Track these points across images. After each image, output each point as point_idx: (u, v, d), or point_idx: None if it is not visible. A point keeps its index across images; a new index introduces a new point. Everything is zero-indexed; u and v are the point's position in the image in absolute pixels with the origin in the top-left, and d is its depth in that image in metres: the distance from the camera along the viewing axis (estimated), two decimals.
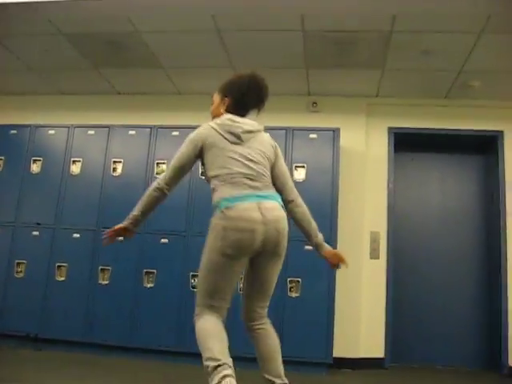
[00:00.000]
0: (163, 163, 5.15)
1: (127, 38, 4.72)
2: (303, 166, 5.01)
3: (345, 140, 5.23)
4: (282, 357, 2.57)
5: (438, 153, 5.89)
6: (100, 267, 5.05)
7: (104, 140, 5.35)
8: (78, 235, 5.16)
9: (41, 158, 5.42)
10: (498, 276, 5.25)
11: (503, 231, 5.28)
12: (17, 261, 5.20)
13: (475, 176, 5.85)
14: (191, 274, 4.82)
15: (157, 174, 5.13)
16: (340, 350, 4.83)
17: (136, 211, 2.69)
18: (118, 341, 4.86)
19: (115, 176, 5.25)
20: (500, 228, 5.30)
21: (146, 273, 4.96)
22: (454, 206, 5.79)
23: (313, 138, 5.07)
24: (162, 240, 4.99)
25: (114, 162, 5.29)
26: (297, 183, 4.84)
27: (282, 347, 2.60)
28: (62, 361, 4.32)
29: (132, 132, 5.33)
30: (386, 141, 5.56)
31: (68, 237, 5.16)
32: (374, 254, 5.28)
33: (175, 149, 5.07)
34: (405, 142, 5.66)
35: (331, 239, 4.75)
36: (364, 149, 5.49)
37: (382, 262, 5.29)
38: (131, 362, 4.54)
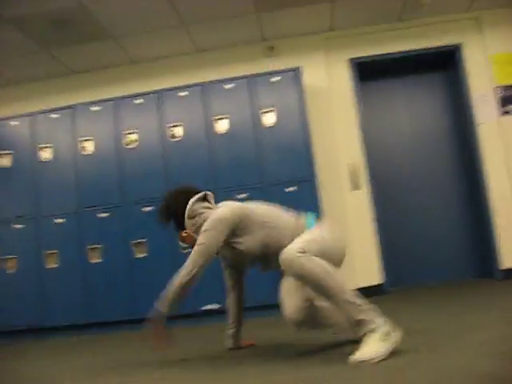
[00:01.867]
0: (131, 133, 5.13)
1: (73, 13, 4.64)
2: (272, 111, 5.00)
3: (308, 79, 5.25)
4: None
5: (401, 76, 5.92)
6: (88, 247, 5.05)
7: (69, 121, 5.30)
8: (61, 220, 5.15)
9: (10, 151, 5.36)
10: (478, 183, 5.35)
11: (477, 141, 5.35)
12: (6, 256, 5.18)
13: (442, 93, 5.89)
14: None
15: (126, 145, 5.11)
16: None
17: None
18: (120, 315, 4.90)
19: (87, 155, 5.21)
20: (474, 139, 5.37)
21: (136, 244, 4.98)
22: (424, 126, 5.86)
23: (275, 81, 5.06)
24: (145, 209, 5.00)
25: (84, 141, 5.24)
26: (268, 129, 4.95)
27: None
28: (66, 346, 4.35)
29: (96, 108, 5.27)
30: (349, 72, 5.57)
31: (51, 224, 5.14)
32: (355, 186, 5.34)
33: (140, 117, 5.11)
34: (367, 71, 5.67)
35: (311, 177, 4.81)
36: (328, 84, 5.51)
37: (363, 191, 5.36)
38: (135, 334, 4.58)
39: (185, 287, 2.60)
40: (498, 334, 2.58)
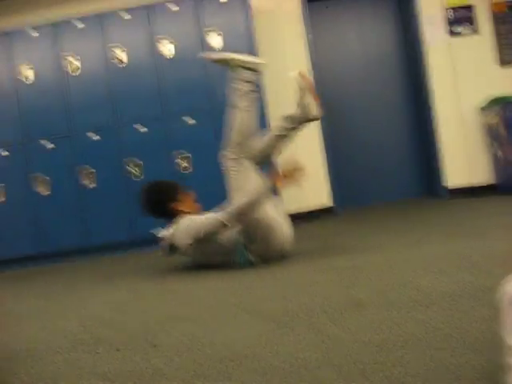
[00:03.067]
0: (70, 56, 4.93)
1: None
2: (219, 34, 4.88)
3: (256, 0, 5.11)
4: None
5: None
6: (35, 176, 4.95)
7: (6, 48, 5.04)
8: (6, 153, 5.00)
9: None
10: (425, 103, 5.43)
11: (425, 62, 5.37)
12: None
13: (391, 14, 5.84)
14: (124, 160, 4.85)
15: (68, 69, 4.93)
16: (290, 207, 4.96)
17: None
18: (71, 246, 4.89)
19: (29, 84, 5.01)
20: (422, 60, 5.38)
21: (85, 172, 4.91)
22: (374, 48, 5.84)
23: (223, 3, 4.91)
24: (93, 138, 4.89)
25: (24, 69, 5.01)
26: (215, 51, 4.84)
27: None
28: (19, 276, 4.34)
29: (35, 34, 5.02)
30: None
31: None
32: None
33: (82, 38, 4.88)
34: None
35: (259, 101, 4.77)
36: (277, 5, 5.38)
37: None
38: (88, 264, 4.60)
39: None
40: (439, 250, 2.70)
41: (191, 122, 4.84)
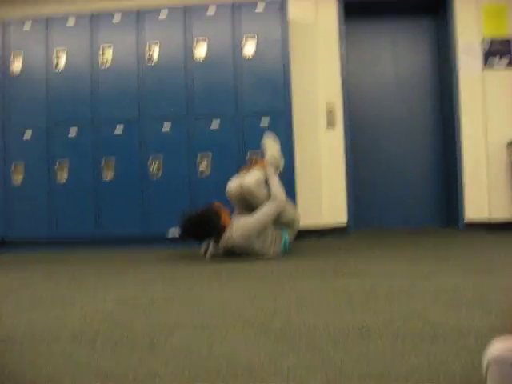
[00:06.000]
0: (108, 46, 4.96)
1: None
2: (253, 37, 4.88)
3: (294, 12, 5.14)
4: None
5: (389, 18, 5.80)
6: (58, 162, 4.98)
7: (43, 34, 5.09)
8: (29, 135, 5.04)
9: None
10: (452, 133, 5.37)
11: (457, 92, 5.31)
12: None
13: (427, 39, 5.81)
14: (151, 158, 4.83)
15: (101, 63, 4.96)
16: (304, 221, 4.94)
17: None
18: (83, 235, 4.90)
19: (58, 72, 5.04)
20: (455, 89, 5.33)
21: (105, 163, 4.92)
22: (407, 71, 5.80)
23: (260, 12, 4.91)
24: (117, 128, 4.91)
25: (57, 56, 5.06)
26: (248, 59, 4.85)
27: None
28: (29, 261, 4.35)
29: (72, 23, 5.06)
30: (336, 10, 5.42)
31: (19, 139, 5.03)
32: (331, 124, 5.31)
33: (117, 35, 4.92)
34: (355, 11, 5.54)
35: (287, 111, 4.76)
36: (314, 19, 5.37)
37: (338, 131, 5.32)
38: (98, 255, 4.60)
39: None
40: (450, 284, 2.65)
41: (215, 125, 4.84)
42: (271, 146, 4.26)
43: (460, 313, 2.04)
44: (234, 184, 4.02)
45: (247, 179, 3.89)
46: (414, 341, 1.72)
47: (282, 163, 4.27)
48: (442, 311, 2.08)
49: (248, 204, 3.96)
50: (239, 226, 3.75)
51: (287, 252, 4.00)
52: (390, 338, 1.76)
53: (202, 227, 3.77)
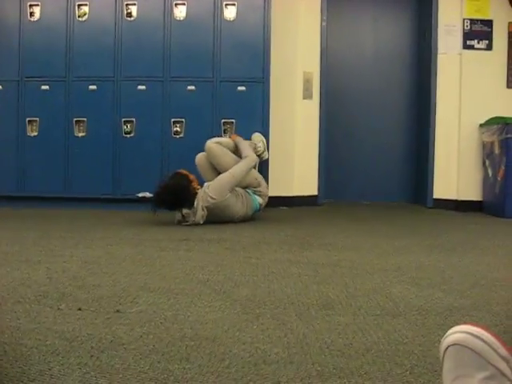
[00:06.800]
0: (84, 5, 4.83)
1: None
2: (233, 4, 4.80)
3: None
4: None
5: None
6: (27, 119, 4.87)
7: None
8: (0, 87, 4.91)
9: None
10: (427, 111, 5.41)
11: (435, 70, 5.32)
12: None
13: (408, 15, 5.83)
14: (123, 120, 4.76)
15: (78, 16, 4.83)
16: (276, 190, 4.95)
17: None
18: (52, 192, 4.83)
19: (33, 21, 4.90)
20: (432, 67, 5.33)
21: (77, 122, 4.84)
22: (387, 46, 5.83)
23: None
24: (90, 87, 4.82)
25: (31, 5, 4.90)
26: (227, 22, 4.78)
27: None
28: None
29: None
30: None
31: None
32: (307, 95, 5.31)
33: None
34: None
35: (264, 80, 4.73)
36: None
37: (315, 102, 5.34)
38: (68, 212, 4.56)
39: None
40: (415, 261, 2.71)
41: (191, 87, 4.78)
42: (256, 137, 4.48)
43: (422, 291, 2.09)
44: (200, 154, 4.13)
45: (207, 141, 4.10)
46: (376, 317, 1.76)
47: (265, 154, 4.51)
48: (405, 288, 2.13)
49: (216, 174, 4.02)
50: (212, 183, 3.87)
51: (257, 215, 4.12)
52: (353, 313, 1.80)
53: (175, 194, 3.74)
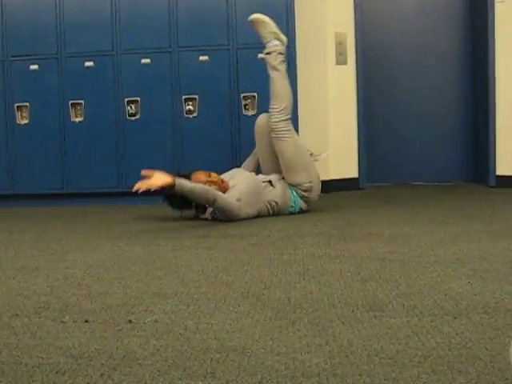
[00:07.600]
0: None
1: None
2: None
3: None
4: None
5: None
6: (16, 105, 4.93)
7: None
8: None
9: None
10: (485, 73, 5.32)
11: (491, 22, 5.23)
12: None
13: None
14: (126, 100, 4.78)
15: None
16: None
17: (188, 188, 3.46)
18: (47, 188, 4.89)
19: None
20: (488, 21, 5.23)
21: (73, 105, 4.88)
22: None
23: None
24: (87, 63, 4.85)
25: None
26: None
27: None
28: None
29: None
30: None
31: None
32: (341, 59, 5.28)
33: None
34: None
35: (289, 44, 4.70)
36: None
37: (350, 67, 5.31)
38: (67, 210, 4.62)
39: (198, 197, 3.54)
40: (477, 250, 2.68)
41: (203, 58, 4.78)
42: (265, 22, 4.09)
43: (487, 285, 2.07)
44: (263, 116, 4.18)
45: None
46: (433, 318, 1.74)
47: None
48: (466, 283, 2.11)
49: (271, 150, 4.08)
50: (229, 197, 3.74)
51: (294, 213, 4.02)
52: (405, 314, 1.78)
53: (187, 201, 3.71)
